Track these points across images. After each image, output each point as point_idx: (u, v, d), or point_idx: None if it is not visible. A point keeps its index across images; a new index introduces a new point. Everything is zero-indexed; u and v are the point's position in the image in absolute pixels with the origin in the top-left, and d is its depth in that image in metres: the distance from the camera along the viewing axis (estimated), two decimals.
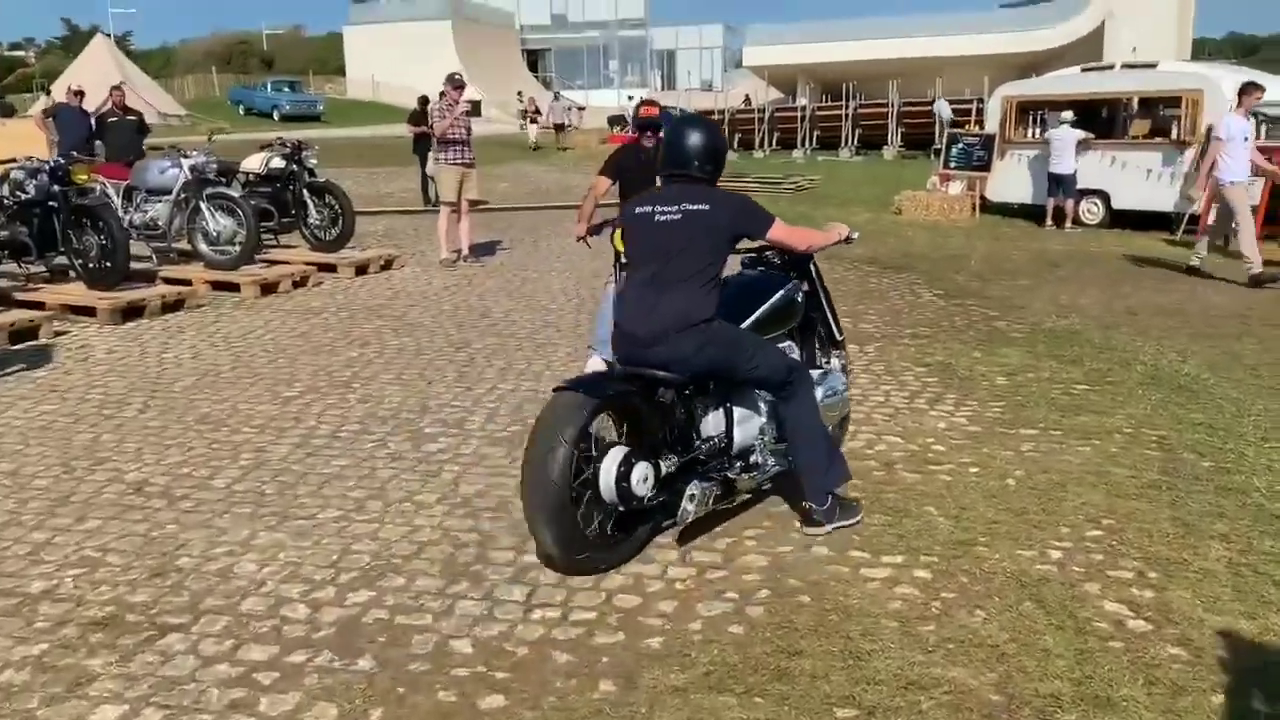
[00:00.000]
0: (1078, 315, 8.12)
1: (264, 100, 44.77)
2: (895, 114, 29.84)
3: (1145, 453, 4.88)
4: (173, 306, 8.44)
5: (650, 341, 3.67)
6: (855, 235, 4.40)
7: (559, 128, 33.54)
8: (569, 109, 36.39)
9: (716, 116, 32.35)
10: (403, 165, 20.92)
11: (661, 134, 6.79)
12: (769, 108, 33.29)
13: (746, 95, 44.22)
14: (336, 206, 10.40)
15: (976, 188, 15.74)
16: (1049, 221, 14.12)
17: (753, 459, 4.03)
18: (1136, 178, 13.71)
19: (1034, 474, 4.60)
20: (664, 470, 3.68)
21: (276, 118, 43.08)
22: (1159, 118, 14.37)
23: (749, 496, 4.20)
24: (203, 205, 9.24)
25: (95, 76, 38.43)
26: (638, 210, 3.89)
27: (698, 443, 3.86)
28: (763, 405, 4.04)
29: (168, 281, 9.20)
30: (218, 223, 9.26)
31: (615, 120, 44.25)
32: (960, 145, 16.22)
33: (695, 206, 3.75)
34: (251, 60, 78.81)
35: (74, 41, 75.73)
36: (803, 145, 30.93)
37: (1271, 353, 6.86)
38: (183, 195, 9.35)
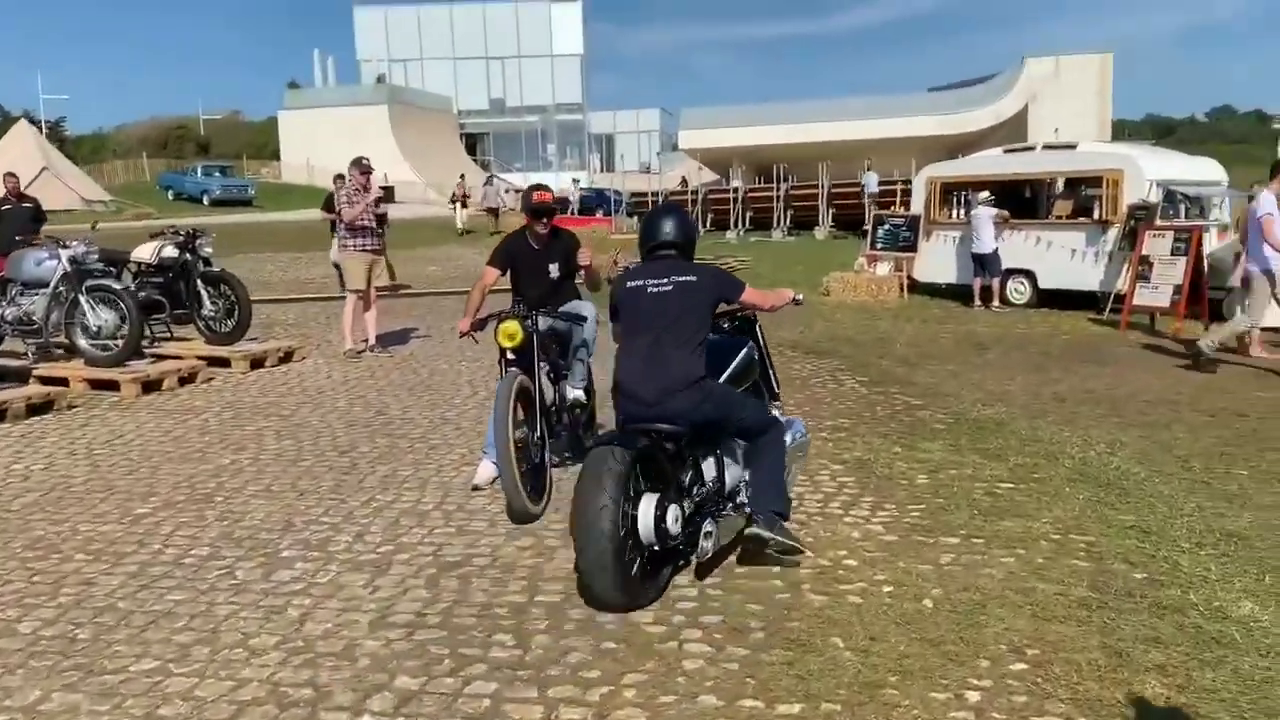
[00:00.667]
0: (1004, 403, 7.80)
1: (194, 185, 44.09)
2: (826, 195, 30.07)
3: (1073, 563, 4.46)
4: (41, 409, 7.78)
5: (655, 401, 4.08)
6: (800, 298, 4.87)
7: (492, 211, 32.60)
8: (504, 191, 35.93)
9: (652, 198, 32.45)
10: (327, 250, 20.37)
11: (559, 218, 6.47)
12: (702, 190, 33.42)
13: (683, 177, 44.67)
14: (232, 297, 9.84)
15: (904, 268, 15.66)
16: (976, 302, 14.01)
17: (739, 499, 4.46)
18: (1062, 257, 13.67)
19: (953, 592, 4.16)
20: (686, 512, 4.11)
21: (207, 202, 42.38)
22: (1081, 198, 14.42)
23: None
24: (82, 298, 8.63)
25: (18, 162, 37.63)
26: (629, 284, 4.34)
27: (700, 487, 4.28)
28: (739, 451, 4.49)
29: (43, 381, 8.55)
30: (98, 316, 8.65)
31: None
32: (887, 226, 16.17)
33: (683, 278, 4.24)
34: (188, 145, 78.21)
35: (4, 127, 74.55)
36: (736, 226, 31.02)
37: (1202, 441, 6.56)
38: (61, 288, 8.74)
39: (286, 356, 9.95)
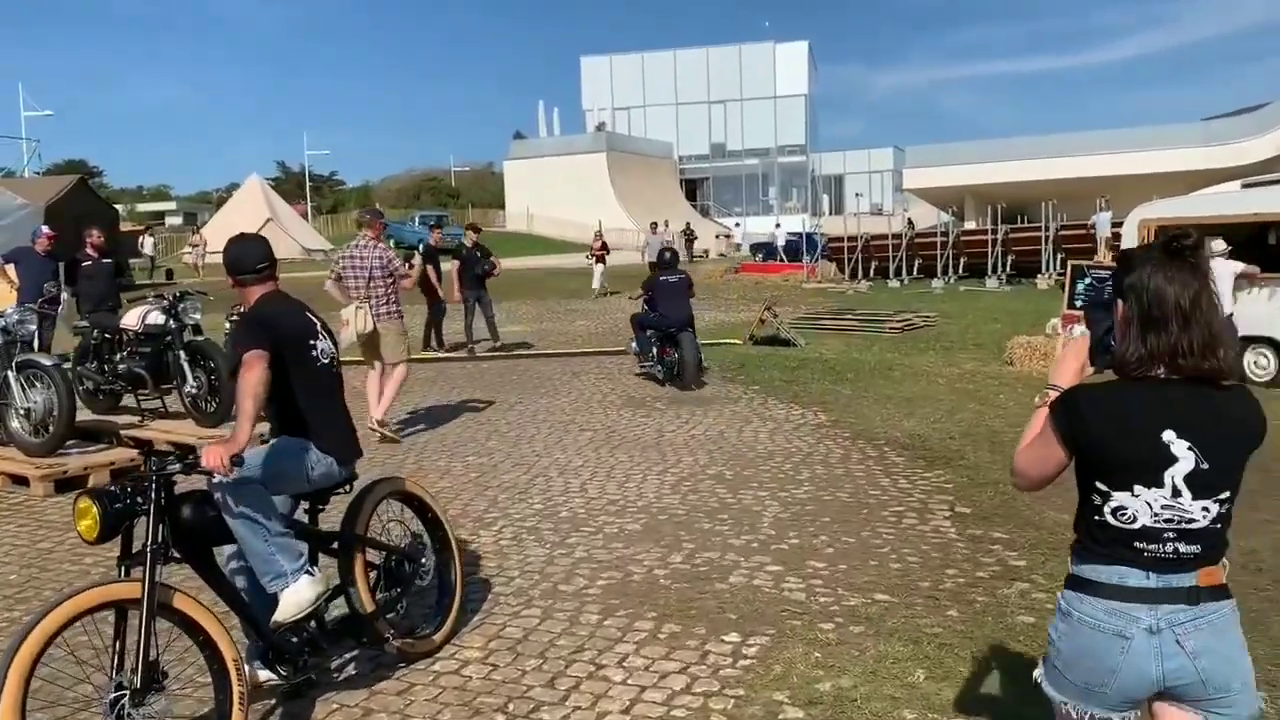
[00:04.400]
0: None
1: (410, 234, 45.10)
2: (1052, 238, 26.22)
3: None
4: None
5: (679, 322, 11.12)
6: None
7: (654, 267, 27.74)
8: (670, 240, 32.06)
9: (849, 243, 29.61)
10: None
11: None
12: (908, 233, 30.24)
13: (909, 218, 41.32)
14: (214, 371, 8.40)
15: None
16: None
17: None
18: None
19: None
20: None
21: (421, 250, 43.23)
22: None
23: None
24: (11, 375, 7.40)
25: (249, 213, 39.88)
26: (660, 279, 11.44)
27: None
28: None
29: None
30: (27, 398, 7.38)
31: (758, 248, 42.21)
32: (1089, 280, 12.96)
33: (681, 276, 11.53)
34: (437, 196, 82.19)
35: (285, 182, 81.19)
36: (944, 274, 27.65)
37: None
38: None
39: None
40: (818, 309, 19.90)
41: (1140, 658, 2.09)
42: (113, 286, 11.80)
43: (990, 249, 27.21)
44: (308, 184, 74.23)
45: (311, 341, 3.87)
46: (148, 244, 36.21)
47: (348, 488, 4.07)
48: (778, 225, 44.38)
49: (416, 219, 47.73)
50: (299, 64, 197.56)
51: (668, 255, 11.97)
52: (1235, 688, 2.13)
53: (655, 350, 11.45)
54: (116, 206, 36.30)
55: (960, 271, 28.39)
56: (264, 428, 4.15)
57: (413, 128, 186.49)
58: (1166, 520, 2.09)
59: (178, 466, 3.36)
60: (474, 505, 6.58)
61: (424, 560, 4.32)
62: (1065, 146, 38.47)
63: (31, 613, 4.65)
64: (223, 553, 3.81)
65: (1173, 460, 2.07)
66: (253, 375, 3.44)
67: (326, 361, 3.91)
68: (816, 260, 30.52)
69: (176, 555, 3.43)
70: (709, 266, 33.77)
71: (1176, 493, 2.07)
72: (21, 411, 7.39)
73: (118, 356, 8.78)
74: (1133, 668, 2.11)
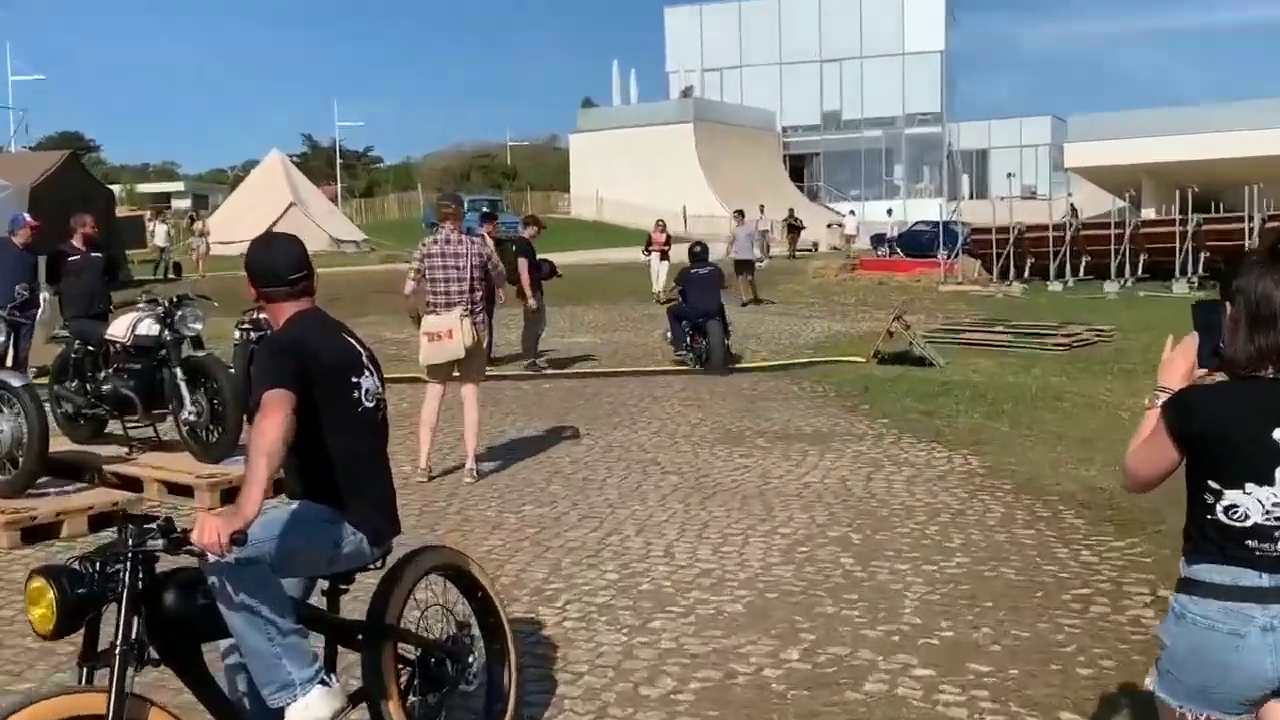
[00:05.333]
0: None
1: None
2: (1258, 230, 25.30)
3: None
4: None
5: (709, 311, 14.32)
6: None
7: (743, 266, 24.35)
8: (765, 233, 31.95)
9: (998, 235, 28.95)
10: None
11: None
12: (1072, 223, 29.47)
13: (1072, 205, 40.44)
14: (216, 393, 8.28)
15: None
16: None
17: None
18: None
19: None
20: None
21: None
22: None
23: None
24: None
25: (268, 196, 40.59)
26: (691, 272, 15.13)
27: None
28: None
29: None
30: None
31: (880, 240, 41.68)
32: None
33: (711, 269, 15.30)
34: (490, 176, 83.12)
35: (312, 159, 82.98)
36: (1119, 275, 26.85)
37: None
38: None
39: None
40: (959, 318, 19.54)
41: (1255, 655, 2.44)
42: (103, 285, 11.87)
43: (1178, 244, 26.39)
44: (338, 161, 75.69)
45: (355, 379, 3.62)
46: (159, 233, 35.96)
47: (379, 562, 3.83)
48: (889, 212, 44.06)
49: (465, 203, 48.14)
50: (329, 23, 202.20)
51: (698, 249, 15.34)
52: None
53: (688, 339, 14.21)
54: (113, 187, 37.06)
55: (1139, 272, 27.63)
56: None
57: (461, 96, 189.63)
58: (1278, 518, 2.44)
59: (161, 542, 3.10)
60: (531, 572, 6.33)
61: (471, 659, 4.05)
62: (1274, 115, 37.29)
63: None
64: (217, 646, 3.59)
65: None
66: (271, 425, 3.17)
67: (371, 405, 3.66)
68: (956, 256, 29.90)
69: (154, 656, 3.20)
70: (818, 263, 33.27)
71: None
72: None
73: (102, 374, 8.70)
74: (1248, 666, 2.45)
